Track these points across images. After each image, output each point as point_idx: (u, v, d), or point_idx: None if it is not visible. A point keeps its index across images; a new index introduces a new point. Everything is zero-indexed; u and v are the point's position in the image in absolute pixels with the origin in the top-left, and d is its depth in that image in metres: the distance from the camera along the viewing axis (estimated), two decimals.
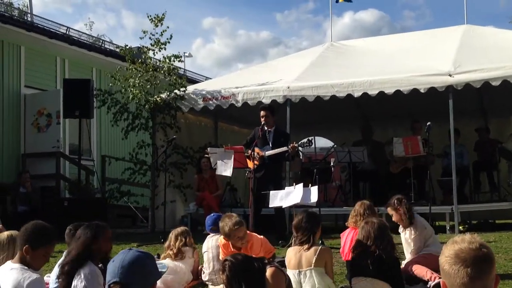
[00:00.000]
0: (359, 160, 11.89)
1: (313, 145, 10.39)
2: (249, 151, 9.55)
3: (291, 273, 5.32)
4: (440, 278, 6.01)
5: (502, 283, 5.70)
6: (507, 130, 13.29)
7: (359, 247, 5.27)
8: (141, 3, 72.90)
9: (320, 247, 5.47)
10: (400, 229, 6.99)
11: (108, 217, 11.81)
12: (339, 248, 6.94)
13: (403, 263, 6.51)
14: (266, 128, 9.83)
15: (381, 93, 10.63)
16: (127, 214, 14.99)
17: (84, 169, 13.99)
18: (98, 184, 14.79)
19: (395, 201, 6.88)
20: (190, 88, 12.78)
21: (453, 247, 2.42)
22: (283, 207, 8.39)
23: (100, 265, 4.64)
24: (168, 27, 12.30)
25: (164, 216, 10.87)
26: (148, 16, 12.21)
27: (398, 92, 10.52)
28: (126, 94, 12.21)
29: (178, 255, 6.84)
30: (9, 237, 4.95)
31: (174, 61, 12.43)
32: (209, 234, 7.17)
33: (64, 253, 5.72)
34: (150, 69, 12.24)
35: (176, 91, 12.17)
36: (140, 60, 12.31)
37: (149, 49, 12.37)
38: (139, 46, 12.75)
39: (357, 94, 10.83)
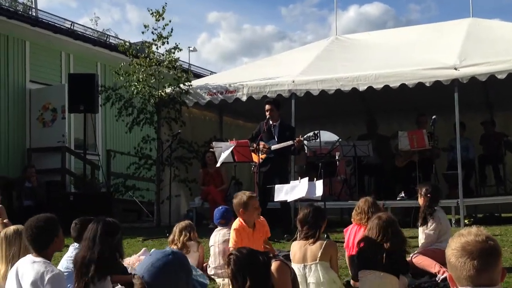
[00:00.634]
0: (364, 154, 11.87)
1: (318, 139, 10.37)
2: (254, 145, 9.55)
3: (296, 267, 5.31)
4: (441, 268, 6.07)
5: (509, 276, 5.68)
6: None
7: (367, 241, 5.26)
8: None
9: (325, 241, 5.46)
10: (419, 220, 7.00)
11: (113, 211, 11.84)
12: (343, 242, 6.93)
13: (411, 256, 6.50)
14: (271, 122, 9.82)
15: (386, 87, 10.60)
16: (132, 209, 15.03)
17: (89, 164, 14.03)
18: (104, 178, 14.82)
19: (424, 189, 6.91)
20: (195, 82, 12.77)
21: (459, 240, 2.42)
22: (288, 201, 8.38)
23: None
24: (170, 21, 12.30)
25: (169, 211, 10.89)
26: (149, 10, 12.23)
27: (403, 85, 10.49)
28: (130, 89, 12.21)
29: (183, 250, 6.83)
30: (16, 232, 4.96)
31: (173, 52, 12.41)
32: (215, 228, 7.19)
33: (70, 247, 5.74)
34: (154, 63, 12.24)
35: (181, 85, 12.16)
36: (143, 55, 12.31)
37: (151, 44, 12.36)
38: (142, 40, 12.75)
39: (362, 88, 10.80)
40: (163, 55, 12.72)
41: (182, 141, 12.34)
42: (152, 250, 3.06)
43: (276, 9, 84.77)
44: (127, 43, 12.75)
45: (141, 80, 12.08)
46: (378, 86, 10.66)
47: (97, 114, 14.24)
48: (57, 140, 14.53)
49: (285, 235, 8.98)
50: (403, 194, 11.02)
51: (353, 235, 6.59)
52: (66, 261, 5.60)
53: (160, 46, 12.44)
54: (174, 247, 6.86)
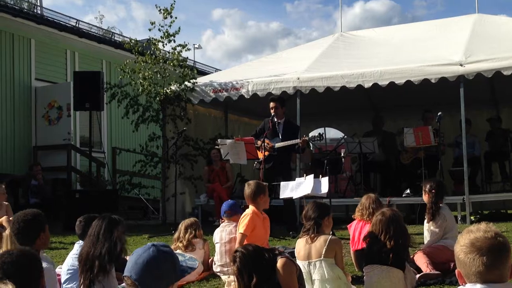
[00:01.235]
0: (370, 150, 11.86)
1: (323, 140, 10.37)
2: (259, 142, 9.54)
3: (300, 264, 5.30)
4: (433, 270, 6.09)
5: None
6: None
7: (373, 236, 5.25)
8: None
9: (329, 237, 5.45)
10: (425, 216, 6.99)
11: (119, 209, 11.86)
12: (349, 239, 6.93)
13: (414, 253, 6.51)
14: (276, 119, 9.81)
15: (392, 84, 10.58)
16: (138, 206, 15.05)
17: (95, 161, 14.05)
18: (109, 176, 14.84)
19: (428, 185, 6.90)
20: (200, 80, 12.77)
21: (468, 236, 2.41)
22: (293, 198, 8.39)
23: None
24: (176, 18, 12.29)
25: (174, 208, 10.90)
26: (157, 7, 12.22)
27: (408, 82, 10.47)
28: (136, 87, 12.23)
29: (189, 247, 6.85)
30: None
31: (181, 51, 12.41)
32: (221, 223, 7.19)
33: (76, 244, 5.75)
34: (160, 61, 12.24)
35: (186, 82, 12.16)
36: (149, 52, 12.31)
37: (158, 41, 12.36)
38: (148, 38, 12.75)
39: (367, 84, 10.78)
40: (169, 52, 12.73)
41: (187, 139, 12.36)
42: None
43: (281, 5, 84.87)
44: (133, 41, 12.75)
45: (146, 77, 12.08)
46: (383, 82, 10.64)
47: (103, 111, 14.27)
48: (63, 138, 14.57)
49: (291, 232, 8.99)
50: (408, 191, 11.00)
51: (358, 230, 6.60)
52: (71, 259, 5.61)
53: (166, 44, 12.44)
54: (180, 244, 6.88)
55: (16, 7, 15.52)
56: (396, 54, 11.85)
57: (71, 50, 16.32)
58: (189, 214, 11.65)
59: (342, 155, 11.82)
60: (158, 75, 12.23)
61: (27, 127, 15.01)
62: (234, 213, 7.01)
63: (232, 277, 5.63)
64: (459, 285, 2.48)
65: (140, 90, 12.13)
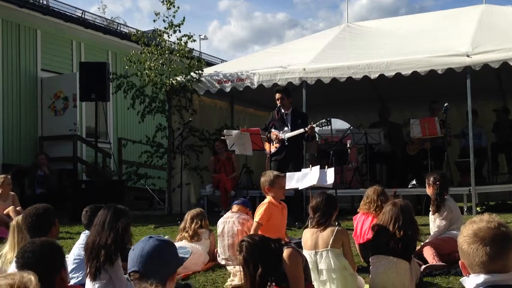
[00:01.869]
0: (376, 141, 11.83)
1: (330, 125, 10.34)
2: (266, 134, 9.54)
3: (307, 253, 5.32)
4: (440, 262, 6.10)
5: None
6: None
7: (380, 227, 5.26)
8: None
9: (336, 228, 5.46)
10: (430, 208, 6.99)
11: (125, 199, 11.89)
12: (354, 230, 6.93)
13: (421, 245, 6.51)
14: (283, 110, 9.80)
15: (398, 75, 10.55)
16: (144, 196, 15.09)
17: (101, 152, 14.08)
18: (115, 166, 14.88)
19: (432, 178, 6.90)
20: (206, 70, 12.76)
21: (471, 227, 2.41)
22: (299, 188, 8.38)
23: None
24: (178, 7, 12.26)
25: (180, 198, 10.92)
26: None
27: (415, 73, 10.43)
28: (142, 77, 12.23)
29: (194, 237, 6.87)
30: None
31: (187, 42, 12.40)
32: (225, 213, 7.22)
33: (82, 234, 5.77)
34: (166, 52, 12.24)
35: (192, 73, 12.15)
36: (154, 43, 12.31)
37: (163, 32, 12.35)
38: (154, 29, 12.74)
39: (373, 75, 10.75)
40: (174, 43, 12.72)
41: (193, 129, 12.37)
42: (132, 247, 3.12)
43: None
44: (139, 32, 12.75)
45: (152, 68, 12.08)
46: (390, 73, 10.61)
47: (108, 102, 14.29)
48: (69, 128, 14.60)
49: (297, 223, 9.01)
50: (414, 182, 10.99)
51: (361, 223, 6.60)
52: (77, 248, 5.64)
53: (171, 34, 12.43)
54: (186, 235, 6.90)
55: None
56: (402, 45, 11.81)
57: (77, 40, 16.32)
58: (195, 205, 11.67)
59: (348, 146, 11.80)
60: (164, 66, 12.23)
61: (33, 118, 15.04)
62: (244, 206, 7.08)
63: (237, 267, 5.65)
64: (464, 276, 2.48)
65: (146, 80, 12.14)
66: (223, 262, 6.82)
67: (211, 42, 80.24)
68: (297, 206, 9.55)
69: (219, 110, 14.11)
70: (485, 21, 12.04)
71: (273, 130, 9.57)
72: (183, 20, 12.34)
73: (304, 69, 11.23)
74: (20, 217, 5.21)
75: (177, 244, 6.40)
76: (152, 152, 12.94)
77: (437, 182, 6.85)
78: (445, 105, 10.22)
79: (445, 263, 6.15)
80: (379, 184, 7.49)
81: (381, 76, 10.68)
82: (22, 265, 3.41)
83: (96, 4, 72.72)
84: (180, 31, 12.32)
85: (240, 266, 4.30)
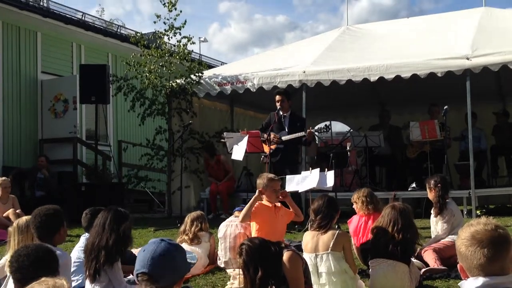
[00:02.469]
0: (376, 144, 11.83)
1: (329, 131, 10.35)
2: (265, 135, 9.53)
3: (307, 256, 5.33)
4: (441, 265, 6.11)
5: None
6: None
7: (381, 228, 5.27)
8: None
9: (337, 231, 5.46)
10: (432, 211, 6.99)
11: (124, 202, 11.89)
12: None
13: (422, 249, 6.51)
14: (281, 113, 9.80)
15: (398, 77, 10.56)
16: (144, 199, 15.08)
17: (101, 155, 14.08)
18: (115, 169, 14.89)
19: (433, 181, 6.91)
20: (206, 73, 12.77)
21: (469, 230, 2.42)
22: (299, 191, 8.38)
23: None
24: (181, 11, 12.27)
25: (180, 201, 10.92)
26: (161, 1, 12.21)
27: (415, 76, 10.44)
28: (142, 80, 12.24)
29: (194, 240, 6.86)
30: (28, 222, 5.01)
31: (186, 44, 12.41)
32: (226, 218, 7.21)
33: (82, 237, 5.78)
34: (166, 54, 12.24)
35: (192, 76, 12.16)
36: (154, 45, 12.31)
37: (163, 34, 12.36)
38: (154, 31, 12.75)
39: (373, 78, 10.76)
40: (174, 45, 12.73)
41: (193, 132, 12.37)
42: (140, 248, 3.12)
43: None
44: (139, 34, 12.77)
45: (152, 71, 12.09)
46: (389, 76, 10.62)
47: (109, 105, 14.29)
48: (69, 131, 14.60)
49: (296, 226, 8.99)
50: (414, 185, 10.99)
51: (362, 225, 6.61)
52: (77, 251, 5.65)
53: (171, 37, 12.44)
54: (186, 237, 6.89)
55: (22, 0, 15.53)
56: (402, 47, 11.81)
57: (77, 43, 16.33)
58: (194, 208, 11.67)
59: (348, 148, 11.80)
60: (164, 68, 12.23)
61: (33, 120, 15.04)
62: None
63: (237, 271, 5.64)
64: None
65: (146, 83, 12.15)
66: (223, 265, 6.81)
67: (211, 45, 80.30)
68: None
69: (219, 112, 14.11)
70: (485, 24, 12.05)
71: (271, 132, 9.58)
72: (184, 23, 12.36)
73: (304, 72, 11.24)
74: (21, 220, 5.21)
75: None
76: (152, 154, 12.93)
77: (439, 185, 6.87)
78: (444, 108, 10.22)
79: (446, 267, 6.16)
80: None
81: (381, 78, 10.69)
82: (17, 269, 3.43)
83: (96, 7, 72.68)
84: (180, 34, 12.34)
85: (240, 269, 4.30)
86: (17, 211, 9.50)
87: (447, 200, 6.91)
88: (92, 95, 12.33)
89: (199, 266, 6.70)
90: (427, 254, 6.43)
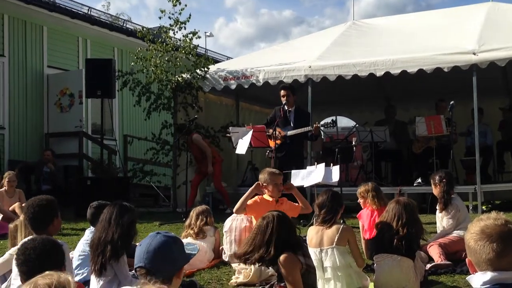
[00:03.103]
0: (381, 139, 11.82)
1: (335, 126, 10.33)
2: (271, 130, 9.52)
3: (312, 251, 5.32)
4: (446, 260, 6.10)
5: None
6: None
7: (385, 223, 5.26)
8: None
9: (342, 226, 5.46)
10: (437, 206, 6.98)
11: (130, 196, 11.91)
12: (359, 228, 6.93)
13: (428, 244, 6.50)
14: (286, 108, 9.78)
15: (404, 72, 10.52)
16: (149, 193, 15.11)
17: (106, 149, 14.10)
18: (121, 163, 14.92)
19: (437, 177, 6.90)
20: (212, 67, 12.76)
21: (478, 224, 2.41)
22: (304, 186, 8.37)
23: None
24: (186, 5, 12.27)
25: (185, 195, 10.92)
26: None
27: (421, 71, 10.40)
28: (148, 74, 12.25)
29: (200, 234, 6.86)
30: None
31: (191, 38, 12.40)
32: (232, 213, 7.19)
33: (87, 231, 5.79)
34: (171, 49, 12.25)
35: (197, 70, 12.16)
36: (160, 40, 12.32)
37: (169, 29, 12.36)
38: (160, 25, 12.76)
39: (379, 73, 10.73)
40: (180, 40, 12.73)
41: (199, 127, 12.37)
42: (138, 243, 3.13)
43: None
44: (145, 29, 12.78)
45: (158, 65, 12.10)
46: (395, 71, 10.58)
47: (114, 99, 14.30)
48: (75, 125, 14.64)
49: (301, 221, 8.98)
50: (420, 180, 10.96)
51: (371, 218, 6.61)
52: (82, 245, 5.66)
53: (177, 32, 12.44)
54: (191, 232, 6.89)
55: None
56: (408, 42, 11.77)
57: (83, 37, 16.36)
58: (199, 202, 11.68)
59: (353, 143, 11.78)
60: (170, 63, 12.24)
61: (39, 114, 15.09)
62: None
63: (242, 265, 5.64)
64: (470, 274, 2.47)
65: (152, 77, 12.16)
66: (228, 259, 6.81)
67: (217, 39, 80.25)
68: None
69: (224, 107, 14.11)
70: (492, 18, 11.99)
71: (277, 127, 9.57)
72: (189, 17, 12.35)
73: (309, 67, 11.22)
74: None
75: (184, 241, 6.40)
76: (158, 149, 12.94)
77: (443, 180, 6.85)
78: (451, 103, 10.19)
79: (451, 262, 6.14)
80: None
81: (387, 73, 10.66)
82: (23, 261, 3.43)
83: (102, 1, 72.67)
84: (185, 28, 12.35)
85: (246, 264, 4.32)
86: (23, 205, 9.51)
87: (452, 196, 6.89)
88: (98, 89, 12.32)
89: (204, 261, 6.70)
90: (432, 249, 6.41)
